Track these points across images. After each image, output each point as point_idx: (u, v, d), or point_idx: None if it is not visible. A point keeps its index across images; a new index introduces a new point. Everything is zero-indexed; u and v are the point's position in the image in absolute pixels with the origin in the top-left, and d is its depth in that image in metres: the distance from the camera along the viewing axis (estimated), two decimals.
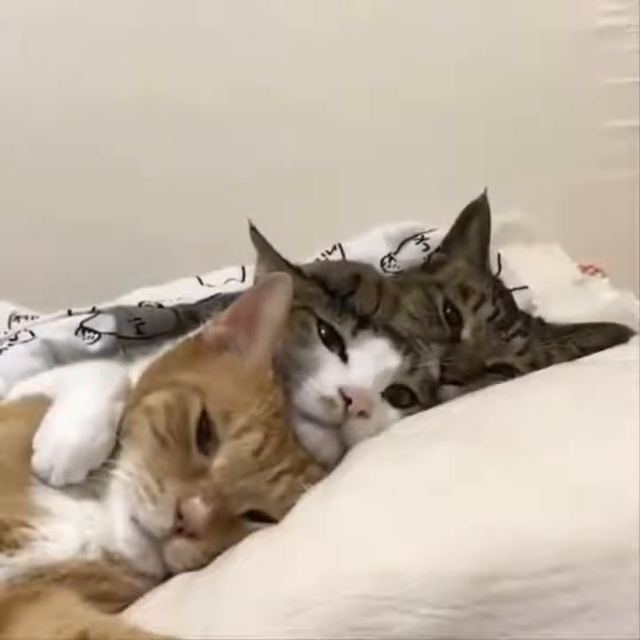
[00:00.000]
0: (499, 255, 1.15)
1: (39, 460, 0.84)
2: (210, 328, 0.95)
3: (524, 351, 1.05)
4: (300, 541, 0.76)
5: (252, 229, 1.08)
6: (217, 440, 0.85)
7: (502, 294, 1.11)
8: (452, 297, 1.06)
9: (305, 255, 1.20)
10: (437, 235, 1.15)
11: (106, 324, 1.09)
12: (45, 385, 0.97)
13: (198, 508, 0.80)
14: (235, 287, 1.13)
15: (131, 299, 1.15)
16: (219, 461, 0.84)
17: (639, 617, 0.65)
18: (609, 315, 1.20)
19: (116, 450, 0.86)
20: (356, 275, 1.07)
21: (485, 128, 1.65)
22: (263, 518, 0.84)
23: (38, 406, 0.90)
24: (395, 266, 1.16)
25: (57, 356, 1.08)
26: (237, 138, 1.66)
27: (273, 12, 1.65)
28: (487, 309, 1.06)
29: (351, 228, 1.23)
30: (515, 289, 1.14)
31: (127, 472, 0.83)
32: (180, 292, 1.15)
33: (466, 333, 1.04)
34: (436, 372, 1.00)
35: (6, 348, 1.08)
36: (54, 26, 1.65)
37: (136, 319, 1.09)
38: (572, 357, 1.05)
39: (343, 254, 1.20)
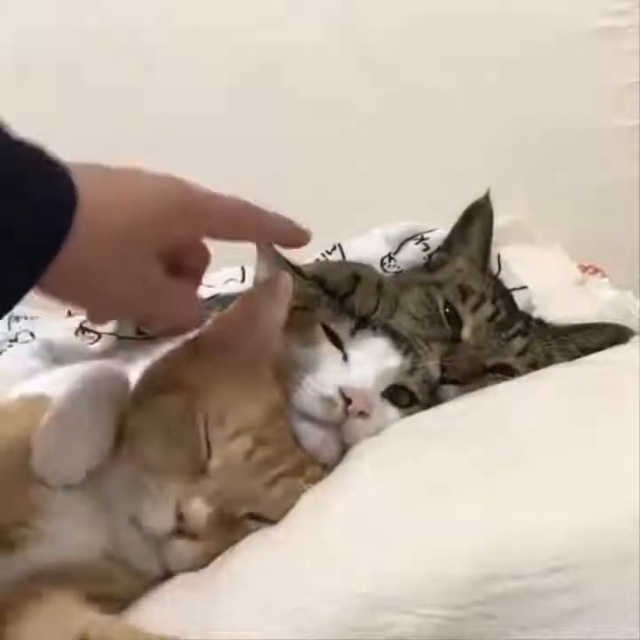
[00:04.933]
0: (498, 255, 1.15)
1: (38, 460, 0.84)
2: (209, 328, 0.95)
3: (525, 352, 1.05)
4: (300, 541, 0.76)
5: None
6: (215, 441, 0.85)
7: (503, 295, 1.11)
8: (452, 297, 1.06)
9: (305, 255, 1.20)
10: (437, 235, 1.15)
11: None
12: (45, 385, 0.97)
13: (199, 509, 0.80)
14: (235, 287, 1.13)
15: None
16: (215, 463, 0.83)
17: (639, 617, 0.65)
18: (609, 315, 1.20)
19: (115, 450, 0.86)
20: (355, 275, 1.07)
21: (486, 128, 1.66)
22: (263, 520, 0.84)
23: (38, 406, 0.90)
24: (394, 266, 1.16)
25: (57, 357, 1.08)
26: (237, 138, 1.66)
27: (272, 10, 1.66)
28: (487, 309, 1.06)
29: (351, 227, 1.23)
30: (515, 289, 1.14)
31: (127, 472, 0.83)
32: None
33: (466, 333, 1.04)
34: (436, 372, 1.00)
35: (6, 349, 1.08)
36: (50, 16, 1.65)
37: None
38: (573, 358, 1.05)
39: (343, 254, 1.20)
